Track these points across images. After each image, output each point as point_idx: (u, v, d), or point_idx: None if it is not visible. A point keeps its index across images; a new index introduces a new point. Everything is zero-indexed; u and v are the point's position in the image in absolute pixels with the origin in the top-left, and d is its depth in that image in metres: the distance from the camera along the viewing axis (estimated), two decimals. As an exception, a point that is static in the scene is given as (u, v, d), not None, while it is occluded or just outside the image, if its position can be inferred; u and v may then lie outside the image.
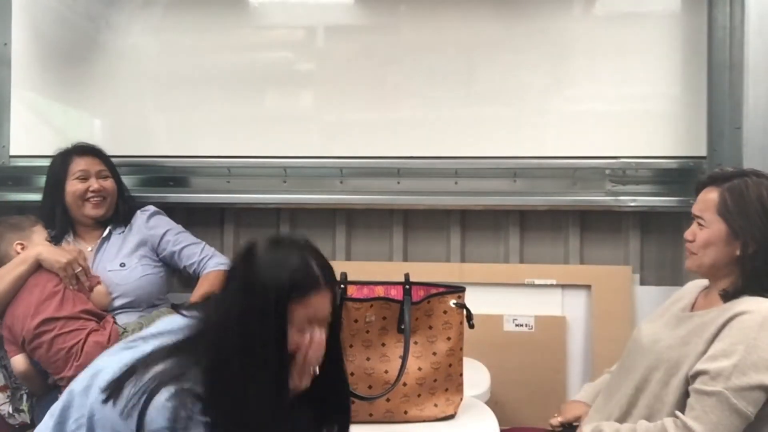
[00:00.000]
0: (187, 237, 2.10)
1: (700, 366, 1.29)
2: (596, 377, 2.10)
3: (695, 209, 1.44)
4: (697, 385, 1.28)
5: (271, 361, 1.03)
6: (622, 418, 1.40)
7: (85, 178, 2.01)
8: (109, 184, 2.04)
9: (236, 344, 1.03)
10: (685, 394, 1.31)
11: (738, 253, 1.36)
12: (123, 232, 2.06)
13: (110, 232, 2.05)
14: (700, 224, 1.42)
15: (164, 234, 2.06)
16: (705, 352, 1.30)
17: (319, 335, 1.09)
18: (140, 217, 2.09)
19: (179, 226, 2.12)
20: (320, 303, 1.10)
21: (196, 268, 2.04)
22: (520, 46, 2.28)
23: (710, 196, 1.41)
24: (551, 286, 2.26)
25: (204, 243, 2.10)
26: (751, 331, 1.27)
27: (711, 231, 1.39)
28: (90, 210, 2.00)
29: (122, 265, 2.00)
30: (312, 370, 1.10)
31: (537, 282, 2.26)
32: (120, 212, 2.08)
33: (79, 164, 2.01)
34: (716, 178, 1.43)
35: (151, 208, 2.13)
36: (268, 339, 1.04)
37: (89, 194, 1.99)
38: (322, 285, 1.11)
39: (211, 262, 2.04)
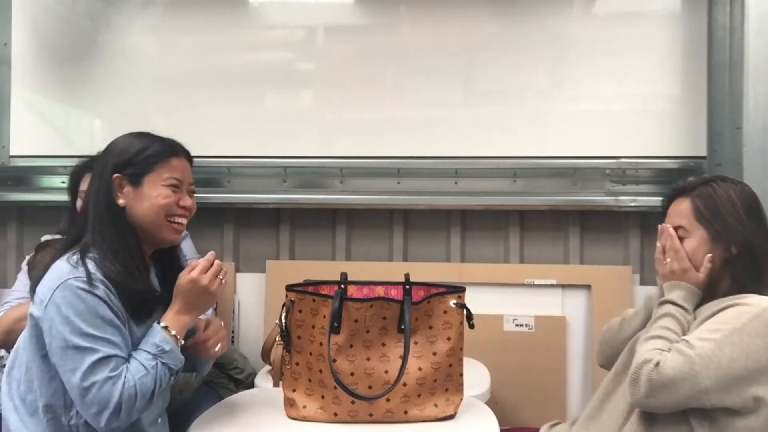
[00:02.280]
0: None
1: (685, 337, 1.29)
2: (596, 377, 2.11)
3: (673, 222, 1.44)
4: (676, 345, 1.27)
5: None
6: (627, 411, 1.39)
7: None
8: None
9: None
10: None
11: (725, 255, 1.37)
12: None
13: None
14: (681, 236, 1.42)
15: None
16: None
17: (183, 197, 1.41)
18: None
19: (195, 254, 2.09)
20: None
21: None
22: (520, 46, 2.28)
23: (683, 205, 1.42)
24: (551, 286, 2.26)
25: None
26: (743, 317, 1.27)
27: (695, 238, 1.40)
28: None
29: None
30: (177, 227, 1.40)
31: (537, 282, 2.26)
32: None
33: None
34: (682, 188, 1.44)
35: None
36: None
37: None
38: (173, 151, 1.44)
39: None
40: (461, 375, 1.42)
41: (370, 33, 2.36)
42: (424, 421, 1.39)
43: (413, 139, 2.30)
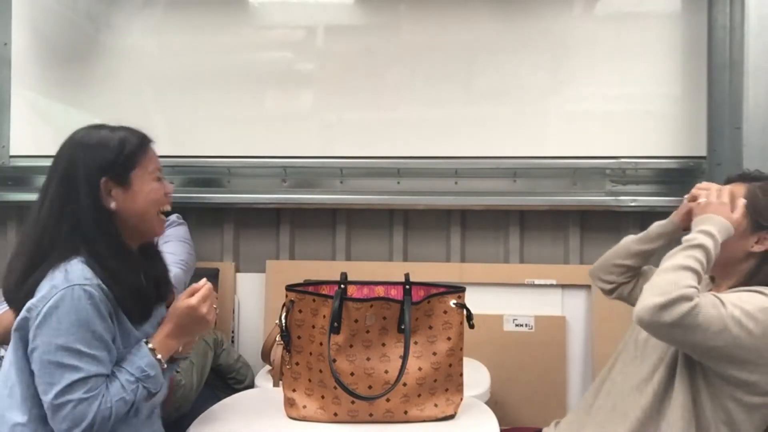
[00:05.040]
0: (179, 248, 2.00)
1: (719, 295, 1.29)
2: (596, 377, 2.11)
3: None
4: (710, 297, 1.27)
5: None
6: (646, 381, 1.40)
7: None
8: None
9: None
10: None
11: (751, 248, 1.37)
12: None
13: None
14: None
15: (166, 241, 1.99)
16: None
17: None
18: None
19: (187, 238, 2.07)
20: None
21: None
22: (520, 46, 2.28)
23: (739, 188, 1.43)
24: (551, 286, 2.26)
25: (184, 257, 1.98)
26: (758, 299, 1.28)
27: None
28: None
29: None
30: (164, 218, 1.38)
31: (537, 282, 2.26)
32: None
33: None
34: (748, 176, 1.46)
35: (173, 219, 2.08)
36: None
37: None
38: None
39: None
40: (461, 375, 1.42)
41: (370, 33, 2.36)
42: (424, 421, 1.39)
43: (413, 139, 2.30)
